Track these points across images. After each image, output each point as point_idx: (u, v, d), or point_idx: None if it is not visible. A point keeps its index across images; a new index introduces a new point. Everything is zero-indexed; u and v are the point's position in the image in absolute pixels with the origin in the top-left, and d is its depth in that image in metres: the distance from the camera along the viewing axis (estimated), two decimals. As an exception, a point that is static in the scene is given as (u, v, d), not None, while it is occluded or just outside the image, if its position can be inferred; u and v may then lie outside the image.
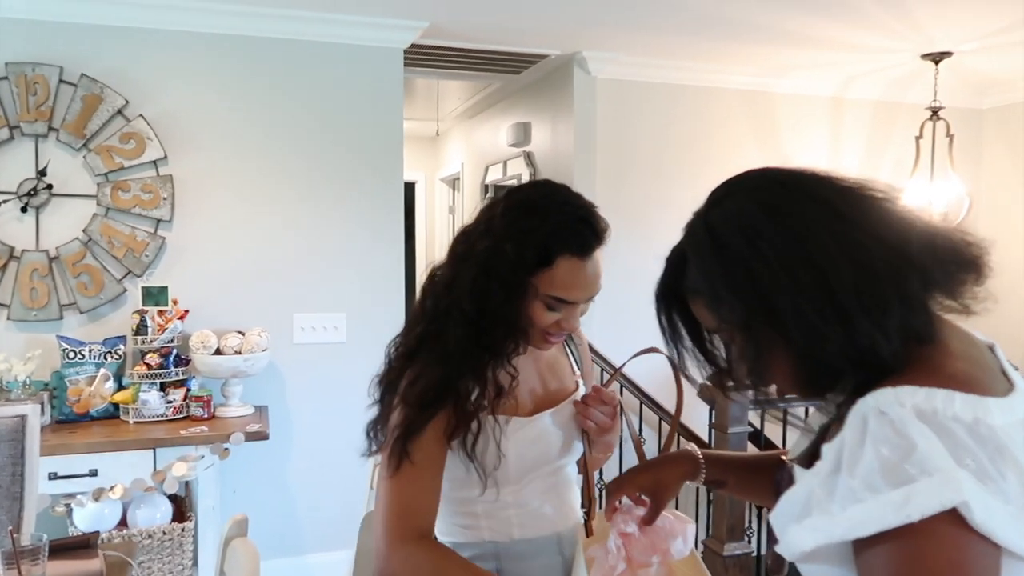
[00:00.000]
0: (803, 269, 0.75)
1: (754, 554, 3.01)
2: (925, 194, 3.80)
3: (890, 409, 0.69)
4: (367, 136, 3.25)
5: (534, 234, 1.09)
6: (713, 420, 2.99)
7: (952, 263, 0.78)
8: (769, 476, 1.10)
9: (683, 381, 1.15)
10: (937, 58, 3.57)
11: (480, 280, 1.09)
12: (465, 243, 1.14)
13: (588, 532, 1.20)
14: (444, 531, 1.21)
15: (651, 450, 1.33)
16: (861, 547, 0.67)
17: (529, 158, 4.44)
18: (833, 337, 0.74)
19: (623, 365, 1.28)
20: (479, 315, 1.09)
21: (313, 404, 3.21)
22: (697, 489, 3.40)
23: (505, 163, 4.83)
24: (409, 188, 6.62)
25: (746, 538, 2.98)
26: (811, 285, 0.75)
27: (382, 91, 3.26)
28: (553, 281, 1.10)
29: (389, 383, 1.14)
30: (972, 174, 4.23)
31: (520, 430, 1.17)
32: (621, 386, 3.40)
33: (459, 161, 5.93)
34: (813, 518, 0.70)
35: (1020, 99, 4.23)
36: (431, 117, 6.05)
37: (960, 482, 0.63)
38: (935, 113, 3.79)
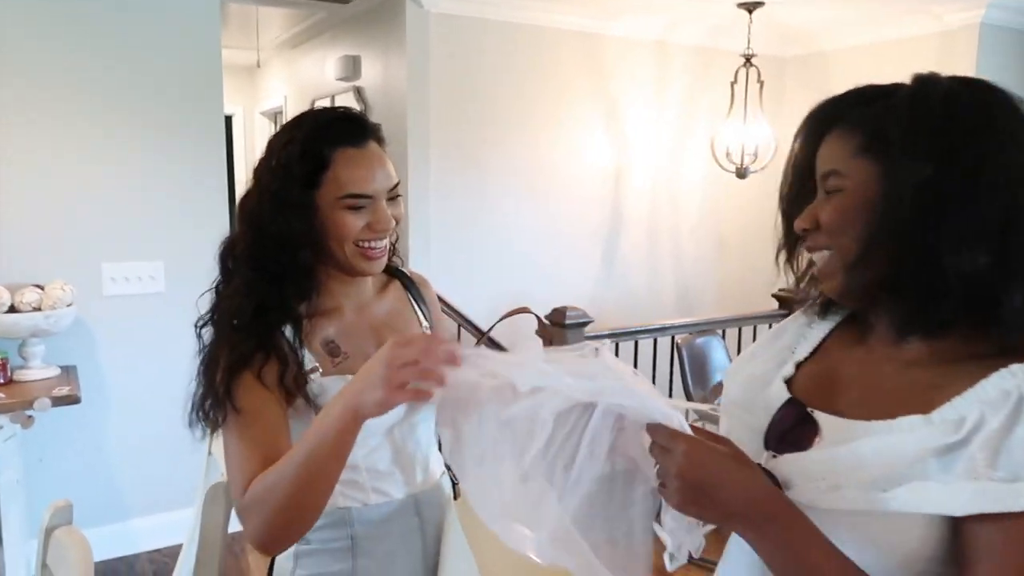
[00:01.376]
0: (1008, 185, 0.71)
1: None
2: (738, 137, 4.06)
3: None
4: (181, 65, 2.94)
5: (295, 141, 1.06)
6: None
7: None
8: None
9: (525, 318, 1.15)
10: (751, 7, 3.78)
11: (254, 211, 1.07)
12: (245, 194, 1.12)
13: (455, 495, 1.19)
14: None
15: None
16: (984, 521, 0.67)
17: (359, 93, 4.25)
18: (973, 257, 0.70)
19: (490, 329, 1.26)
20: (260, 247, 1.05)
21: (130, 361, 2.95)
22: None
23: (333, 98, 4.59)
24: (226, 122, 6.15)
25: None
26: (1000, 206, 0.70)
27: (195, 15, 2.94)
28: (339, 179, 1.06)
29: (208, 358, 1.06)
30: (777, 119, 4.57)
31: None
32: (478, 341, 3.41)
33: (282, 94, 5.57)
34: (968, 483, 0.68)
35: (817, 50, 4.60)
36: (250, 46, 5.61)
37: None
38: (748, 60, 4.03)
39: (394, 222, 1.11)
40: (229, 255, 1.10)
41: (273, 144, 1.10)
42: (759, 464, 0.78)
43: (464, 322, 3.37)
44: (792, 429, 0.82)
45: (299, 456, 0.92)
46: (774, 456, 0.82)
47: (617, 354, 3.41)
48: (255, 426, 1.01)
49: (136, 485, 3.01)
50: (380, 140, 1.12)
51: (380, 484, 1.14)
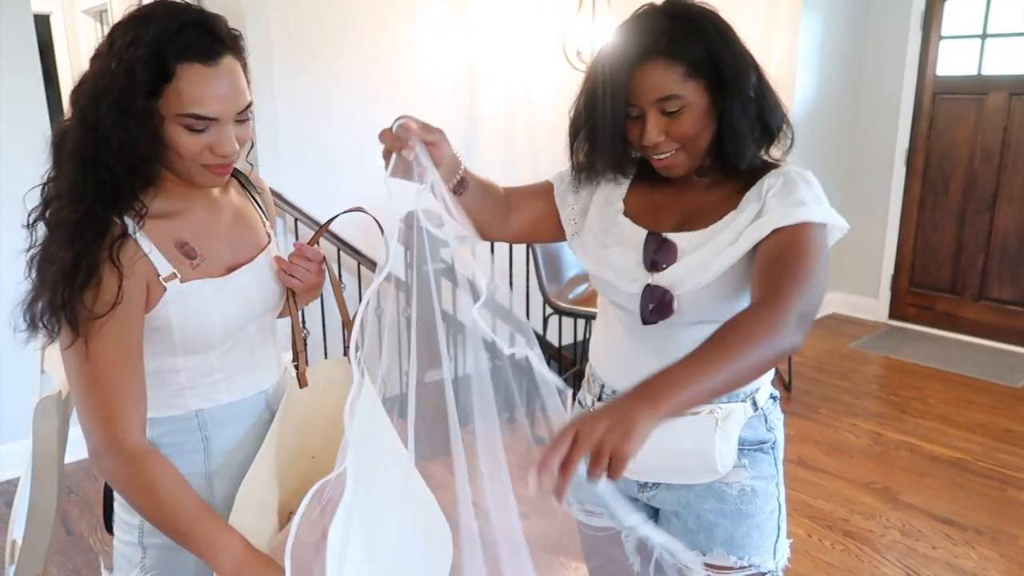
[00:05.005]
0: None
1: (451, 378, 3.28)
2: (587, 34, 4.09)
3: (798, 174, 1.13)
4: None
5: (139, 44, 0.95)
6: (409, 260, 3.11)
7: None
8: (492, 196, 1.25)
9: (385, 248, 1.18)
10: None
11: (88, 109, 0.97)
12: (79, 79, 1.02)
13: (302, 383, 1.21)
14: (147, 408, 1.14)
15: (352, 295, 1.36)
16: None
17: (191, -12, 3.92)
18: (751, 127, 1.09)
19: (329, 222, 1.25)
20: (94, 150, 0.98)
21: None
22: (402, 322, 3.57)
23: (162, -6, 4.21)
24: (43, 22, 5.55)
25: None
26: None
27: None
28: (181, 96, 0.97)
29: (39, 258, 1.01)
30: (625, 17, 4.63)
31: (218, 291, 1.10)
32: (316, 235, 3.35)
33: (104, -11, 5.06)
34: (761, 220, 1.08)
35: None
36: (59, -68, 5.02)
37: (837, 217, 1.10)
38: (595, -44, 4.02)
39: (238, 146, 1.05)
40: (60, 148, 1.02)
41: (115, 37, 0.98)
42: (647, 282, 1.14)
43: (300, 215, 3.36)
44: (658, 251, 1.14)
45: (186, 526, 1.04)
46: (658, 272, 1.14)
47: (472, 255, 3.48)
48: (117, 354, 1.01)
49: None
50: (238, 52, 1.03)
51: (235, 382, 1.16)
